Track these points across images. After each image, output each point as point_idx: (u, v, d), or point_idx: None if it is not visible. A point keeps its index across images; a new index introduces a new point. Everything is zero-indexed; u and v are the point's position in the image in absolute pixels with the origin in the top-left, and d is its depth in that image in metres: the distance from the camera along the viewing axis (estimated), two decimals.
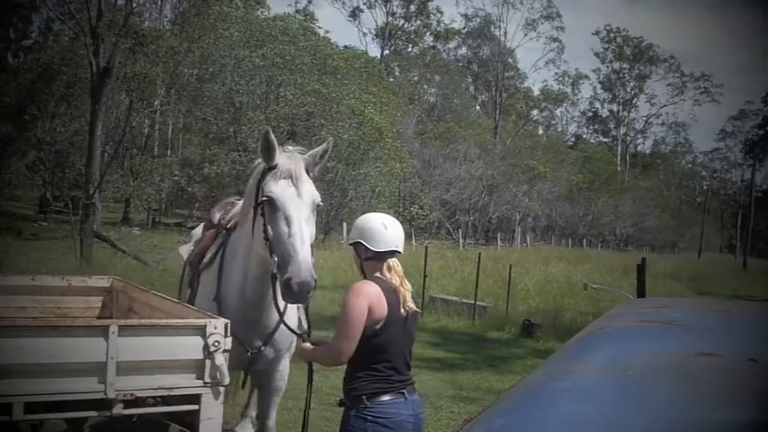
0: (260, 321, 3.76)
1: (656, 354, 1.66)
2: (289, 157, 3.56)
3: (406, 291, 3.22)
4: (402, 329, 3.20)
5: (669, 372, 1.51)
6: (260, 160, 3.63)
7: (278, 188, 3.43)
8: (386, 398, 3.11)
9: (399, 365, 3.20)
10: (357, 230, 3.28)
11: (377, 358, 3.14)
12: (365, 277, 3.25)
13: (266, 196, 3.42)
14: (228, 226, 4.05)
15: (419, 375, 8.46)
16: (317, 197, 3.55)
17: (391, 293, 3.15)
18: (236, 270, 3.76)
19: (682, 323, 2.05)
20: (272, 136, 3.57)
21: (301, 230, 3.31)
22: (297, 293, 3.20)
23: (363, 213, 3.69)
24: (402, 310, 3.16)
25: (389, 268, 3.22)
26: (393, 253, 3.26)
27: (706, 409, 1.29)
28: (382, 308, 3.10)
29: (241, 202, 4.03)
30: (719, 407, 1.30)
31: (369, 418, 3.07)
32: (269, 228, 3.39)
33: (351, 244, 3.32)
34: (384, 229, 3.23)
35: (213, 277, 3.89)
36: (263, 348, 3.79)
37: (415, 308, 3.26)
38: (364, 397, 3.09)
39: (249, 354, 3.74)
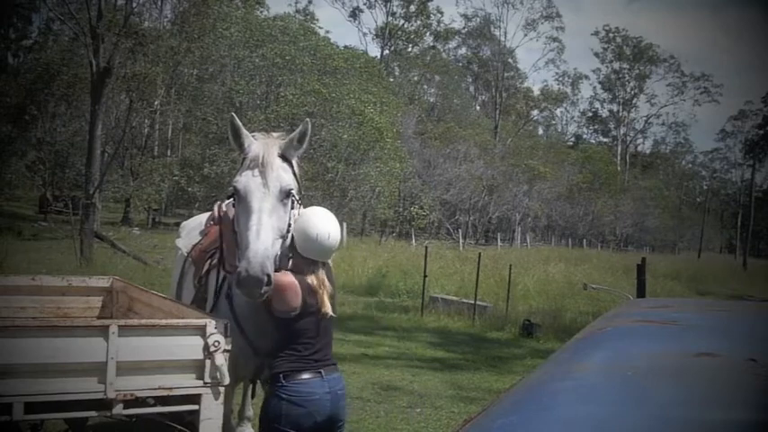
0: (270, 323, 3.60)
1: (656, 354, 1.65)
2: (261, 144, 3.40)
3: (324, 294, 3.34)
4: (317, 323, 3.33)
5: (669, 372, 1.51)
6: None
7: (243, 178, 3.30)
8: (303, 377, 3.24)
9: (319, 348, 3.33)
10: (298, 226, 3.36)
11: (295, 340, 3.28)
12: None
13: (233, 186, 3.34)
14: None
15: (419, 375, 8.52)
16: (287, 184, 3.32)
17: (308, 292, 3.29)
18: None
19: (682, 323, 2.05)
20: (238, 121, 3.45)
21: (259, 222, 3.16)
22: (245, 288, 3.10)
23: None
24: (317, 311, 3.31)
25: (309, 273, 3.35)
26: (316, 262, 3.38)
27: (706, 409, 1.29)
28: (296, 299, 3.25)
29: None
30: (719, 407, 1.30)
31: (284, 396, 3.20)
32: (236, 220, 3.35)
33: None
34: (315, 239, 3.34)
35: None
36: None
37: (330, 313, 3.37)
38: (281, 375, 3.22)
39: (261, 358, 3.58)
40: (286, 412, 3.18)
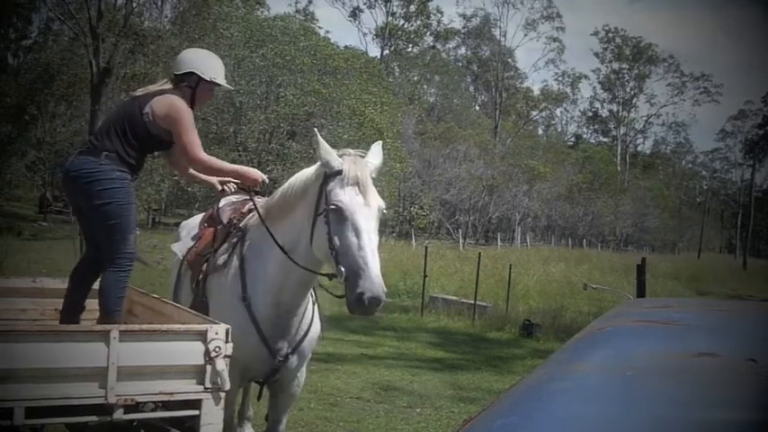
0: (290, 327, 3.68)
1: (656, 354, 1.66)
2: (354, 162, 3.40)
3: None
4: None
5: (669, 372, 1.52)
6: (318, 164, 3.48)
7: (346, 196, 3.29)
8: None
9: None
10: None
11: None
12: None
13: (334, 204, 3.28)
14: (242, 225, 3.91)
15: (419, 375, 8.52)
16: (383, 205, 3.40)
17: None
18: (271, 272, 3.62)
19: (682, 323, 2.05)
20: (320, 138, 3.47)
21: (371, 242, 3.22)
22: (368, 307, 3.15)
23: None
24: None
25: None
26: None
27: (706, 409, 1.29)
28: None
29: (260, 200, 3.87)
30: (719, 407, 1.30)
31: None
32: (335, 238, 3.28)
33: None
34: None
35: (235, 278, 3.73)
36: (290, 356, 3.70)
37: None
38: None
39: (277, 361, 3.65)
40: None
